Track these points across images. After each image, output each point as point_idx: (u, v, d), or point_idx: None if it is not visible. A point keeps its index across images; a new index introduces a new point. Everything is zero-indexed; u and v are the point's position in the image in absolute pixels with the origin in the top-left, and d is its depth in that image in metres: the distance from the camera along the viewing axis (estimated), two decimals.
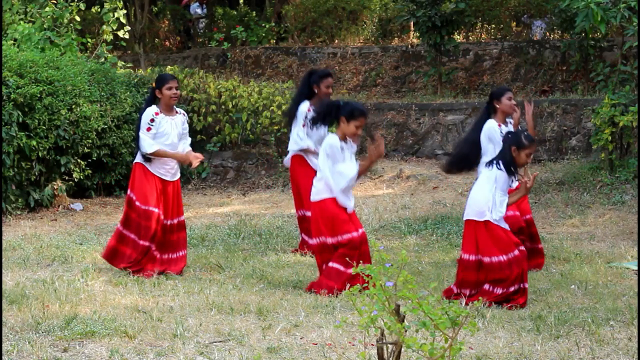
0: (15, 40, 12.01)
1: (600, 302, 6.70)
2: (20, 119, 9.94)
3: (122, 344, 5.51)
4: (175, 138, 7.52)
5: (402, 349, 4.13)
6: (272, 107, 12.42)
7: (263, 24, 17.46)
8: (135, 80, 12.25)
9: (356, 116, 6.88)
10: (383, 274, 4.03)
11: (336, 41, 16.57)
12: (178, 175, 7.68)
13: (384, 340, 4.09)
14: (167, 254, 7.62)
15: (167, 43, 18.75)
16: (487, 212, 6.62)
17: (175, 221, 7.66)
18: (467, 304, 6.48)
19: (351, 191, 7.08)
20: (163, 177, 7.55)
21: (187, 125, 7.72)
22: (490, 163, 6.78)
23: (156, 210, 7.48)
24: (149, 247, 7.49)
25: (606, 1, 10.64)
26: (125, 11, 13.79)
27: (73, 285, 7.00)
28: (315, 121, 7.18)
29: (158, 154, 7.45)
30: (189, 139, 7.77)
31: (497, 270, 6.60)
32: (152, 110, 7.50)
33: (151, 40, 18.30)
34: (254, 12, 18.78)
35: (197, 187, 12.47)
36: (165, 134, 7.48)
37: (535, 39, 15.36)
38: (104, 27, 13.31)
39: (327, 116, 7.07)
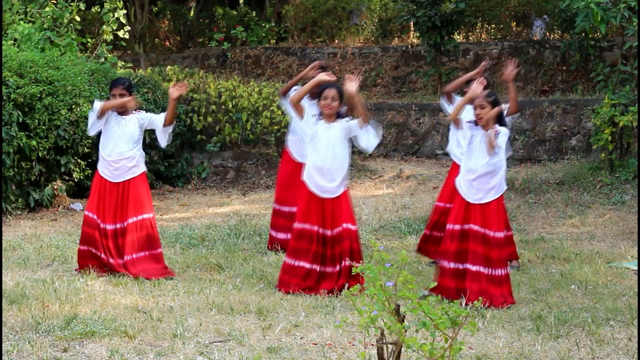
0: (15, 40, 12.01)
1: (600, 302, 6.71)
2: (20, 119, 9.93)
3: (122, 344, 5.51)
4: (121, 138, 7.48)
5: (402, 349, 4.13)
6: (272, 107, 12.42)
7: (263, 24, 17.45)
8: (135, 80, 12.25)
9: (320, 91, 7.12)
10: (383, 274, 4.03)
11: (336, 41, 16.57)
12: (127, 176, 7.47)
13: (384, 340, 4.09)
14: (116, 259, 7.44)
15: (167, 43, 18.74)
16: None
17: (119, 225, 7.45)
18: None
19: (328, 177, 7.00)
20: (106, 178, 7.50)
21: (145, 118, 7.58)
22: None
23: (90, 214, 7.49)
24: (87, 250, 7.51)
25: (606, 1, 10.64)
26: (125, 11, 13.78)
27: (73, 285, 7.00)
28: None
29: (104, 107, 7.44)
30: (159, 115, 7.60)
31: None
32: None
33: (151, 40, 18.29)
34: (254, 12, 18.78)
35: (197, 187, 12.47)
36: (110, 133, 7.51)
37: (535, 39, 15.36)
38: (104, 27, 13.30)
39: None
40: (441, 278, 6.74)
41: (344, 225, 7.00)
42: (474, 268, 6.68)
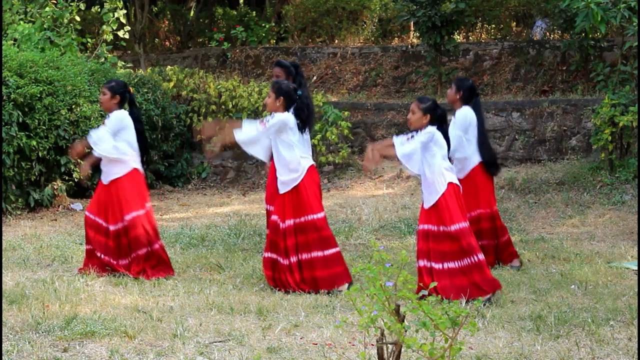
0: (15, 40, 12.02)
1: (600, 302, 6.71)
2: (20, 119, 9.94)
3: (122, 344, 5.51)
4: None
5: (402, 349, 4.14)
6: None
7: (263, 24, 17.45)
8: (135, 80, 12.25)
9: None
10: (383, 274, 4.03)
11: (336, 41, 16.56)
12: (112, 177, 7.48)
13: (384, 340, 4.10)
14: (117, 259, 7.51)
15: (167, 43, 18.74)
16: None
17: (120, 225, 7.48)
18: None
19: (284, 169, 7.16)
20: (101, 179, 7.60)
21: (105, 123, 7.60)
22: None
23: (90, 215, 7.56)
24: (92, 249, 7.58)
25: (606, 1, 10.63)
26: (125, 11, 13.79)
27: (73, 285, 7.01)
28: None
29: None
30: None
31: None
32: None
33: (151, 40, 18.29)
34: (254, 12, 18.78)
35: (197, 187, 12.47)
36: None
37: (535, 39, 15.35)
38: (104, 27, 13.31)
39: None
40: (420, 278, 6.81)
41: (308, 217, 7.11)
42: (437, 266, 6.79)
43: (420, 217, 6.97)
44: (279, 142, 7.19)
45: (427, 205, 6.87)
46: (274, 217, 7.18)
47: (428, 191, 6.86)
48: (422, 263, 6.87)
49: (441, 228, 6.78)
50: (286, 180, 7.14)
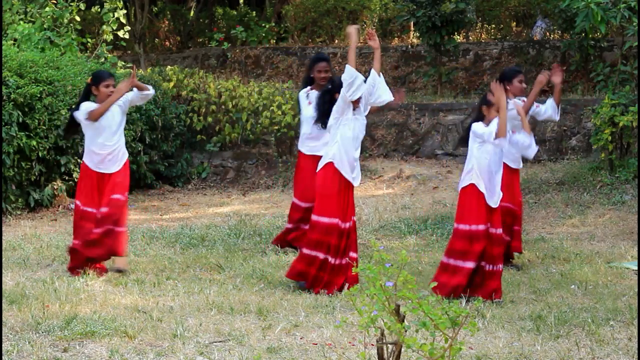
0: (15, 40, 12.01)
1: (600, 302, 6.71)
2: (20, 119, 9.94)
3: (122, 344, 5.51)
4: (114, 127, 7.49)
5: (402, 349, 4.14)
6: (272, 107, 12.42)
7: (263, 24, 17.45)
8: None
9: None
10: (383, 274, 4.03)
11: (336, 41, 16.55)
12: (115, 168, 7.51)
13: (384, 340, 4.10)
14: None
15: (167, 43, 18.74)
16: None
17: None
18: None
19: (353, 162, 7.00)
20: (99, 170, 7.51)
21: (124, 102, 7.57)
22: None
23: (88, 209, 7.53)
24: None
25: (606, 1, 10.64)
26: (125, 11, 13.78)
27: (73, 285, 7.01)
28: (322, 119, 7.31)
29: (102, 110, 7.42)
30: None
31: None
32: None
33: (151, 40, 18.29)
34: (254, 12, 18.78)
35: (197, 187, 12.47)
36: (106, 126, 7.47)
37: (535, 39, 15.35)
38: (104, 27, 13.31)
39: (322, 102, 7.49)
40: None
41: (354, 217, 7.10)
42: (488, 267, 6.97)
43: (480, 217, 6.84)
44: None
45: (497, 204, 6.90)
46: (335, 220, 6.90)
47: (496, 189, 6.90)
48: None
49: (493, 229, 6.87)
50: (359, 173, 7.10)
